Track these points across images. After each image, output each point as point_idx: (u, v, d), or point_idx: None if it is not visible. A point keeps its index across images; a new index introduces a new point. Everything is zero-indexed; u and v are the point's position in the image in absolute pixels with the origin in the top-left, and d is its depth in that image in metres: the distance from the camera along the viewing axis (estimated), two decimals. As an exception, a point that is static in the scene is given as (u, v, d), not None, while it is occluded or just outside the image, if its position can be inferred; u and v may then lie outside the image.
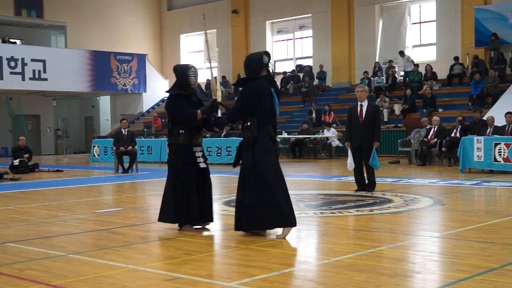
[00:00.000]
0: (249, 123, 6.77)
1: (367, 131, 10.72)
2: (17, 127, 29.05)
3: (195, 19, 32.99)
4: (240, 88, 7.17)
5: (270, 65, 6.95)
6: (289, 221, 6.65)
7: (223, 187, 12.55)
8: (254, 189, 6.65)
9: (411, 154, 18.14)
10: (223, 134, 21.56)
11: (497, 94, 20.79)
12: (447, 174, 14.59)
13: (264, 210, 6.60)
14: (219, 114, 7.29)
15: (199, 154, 7.34)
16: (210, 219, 7.39)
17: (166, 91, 7.92)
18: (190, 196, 7.17)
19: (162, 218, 7.30)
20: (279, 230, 6.76)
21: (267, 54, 6.92)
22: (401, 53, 25.04)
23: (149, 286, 4.83)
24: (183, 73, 7.37)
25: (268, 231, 6.84)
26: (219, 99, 7.41)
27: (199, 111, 7.26)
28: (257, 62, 6.86)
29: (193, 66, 7.43)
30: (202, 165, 7.31)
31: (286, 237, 6.64)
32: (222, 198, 10.43)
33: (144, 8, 34.26)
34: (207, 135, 21.50)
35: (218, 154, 19.98)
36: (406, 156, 18.86)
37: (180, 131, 7.29)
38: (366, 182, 10.94)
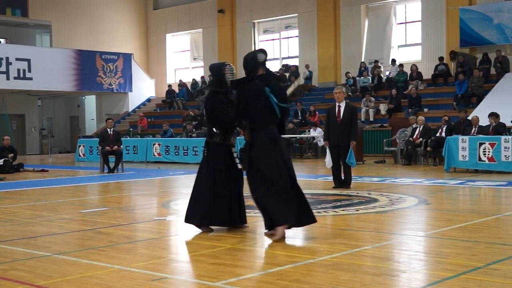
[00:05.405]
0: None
1: (344, 131, 11.19)
2: (2, 127, 28.78)
3: (181, 19, 32.94)
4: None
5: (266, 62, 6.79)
6: (284, 220, 6.49)
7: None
8: (257, 189, 6.62)
9: (397, 153, 18.21)
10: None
11: (482, 94, 20.96)
12: (432, 173, 14.66)
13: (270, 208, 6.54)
14: None
15: (235, 154, 7.19)
16: (245, 220, 7.24)
17: (204, 88, 7.71)
18: (231, 198, 7.00)
19: (191, 219, 7.09)
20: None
21: (263, 51, 6.77)
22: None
23: (134, 286, 4.82)
24: (219, 71, 7.14)
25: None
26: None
27: None
28: (252, 61, 6.72)
29: (229, 64, 7.19)
30: (239, 165, 7.15)
31: (273, 237, 6.55)
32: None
33: (130, 7, 34.12)
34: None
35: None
36: (392, 156, 18.93)
37: (215, 130, 7.12)
38: (343, 179, 11.43)
